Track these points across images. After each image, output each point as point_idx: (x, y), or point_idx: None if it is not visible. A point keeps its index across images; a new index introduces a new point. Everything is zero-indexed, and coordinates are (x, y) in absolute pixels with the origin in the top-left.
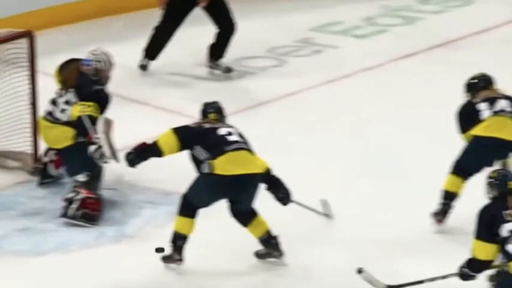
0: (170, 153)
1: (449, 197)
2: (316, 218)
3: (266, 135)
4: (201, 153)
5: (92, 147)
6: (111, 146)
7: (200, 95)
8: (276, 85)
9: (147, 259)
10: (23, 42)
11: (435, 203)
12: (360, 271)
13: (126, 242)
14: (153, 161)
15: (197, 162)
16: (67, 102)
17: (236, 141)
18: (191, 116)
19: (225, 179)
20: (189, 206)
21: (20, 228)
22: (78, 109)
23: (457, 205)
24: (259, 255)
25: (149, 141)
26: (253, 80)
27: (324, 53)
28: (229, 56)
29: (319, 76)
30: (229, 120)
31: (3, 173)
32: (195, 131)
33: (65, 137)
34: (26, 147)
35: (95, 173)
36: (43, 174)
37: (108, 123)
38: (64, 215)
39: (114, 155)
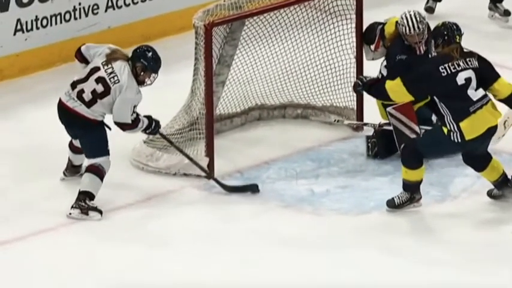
0: (400, 100)
1: None
2: None
3: None
4: (443, 108)
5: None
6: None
7: (480, 39)
8: None
9: (462, 218)
10: None
11: None
12: None
13: (450, 201)
14: None
15: (437, 113)
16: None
17: (479, 99)
18: None
19: (472, 140)
20: (420, 158)
21: (341, 186)
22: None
23: None
24: (493, 195)
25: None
26: None
27: None
28: None
29: None
30: None
31: (326, 128)
32: (430, 81)
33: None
34: (350, 102)
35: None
36: None
37: None
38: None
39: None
